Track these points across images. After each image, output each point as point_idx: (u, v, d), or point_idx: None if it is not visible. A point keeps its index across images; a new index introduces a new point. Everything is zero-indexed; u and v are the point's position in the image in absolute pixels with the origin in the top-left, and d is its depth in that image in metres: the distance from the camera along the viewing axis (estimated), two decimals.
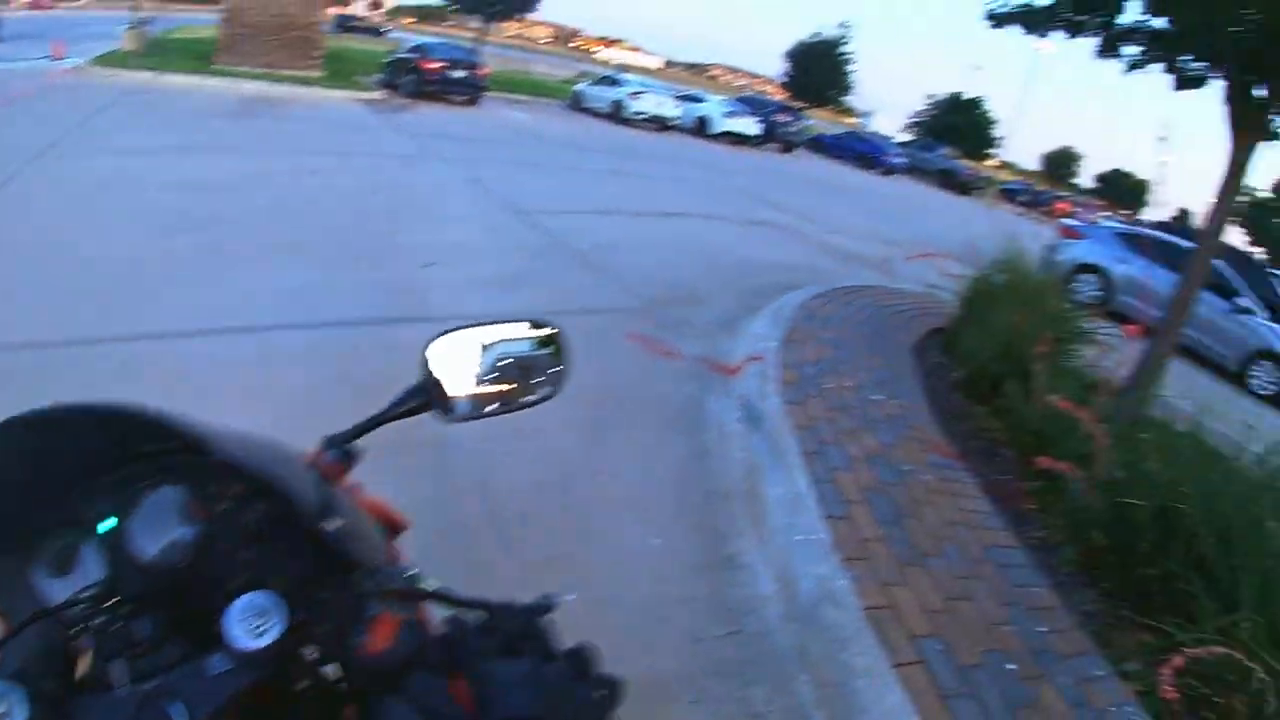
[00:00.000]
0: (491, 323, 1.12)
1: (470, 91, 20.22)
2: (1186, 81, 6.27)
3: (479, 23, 32.96)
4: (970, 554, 3.33)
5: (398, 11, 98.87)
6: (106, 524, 0.93)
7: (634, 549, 3.09)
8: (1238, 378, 10.53)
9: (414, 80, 19.69)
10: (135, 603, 0.84)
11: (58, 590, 0.93)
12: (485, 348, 1.10)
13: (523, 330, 1.15)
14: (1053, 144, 74.70)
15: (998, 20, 6.59)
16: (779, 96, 42.78)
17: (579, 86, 26.67)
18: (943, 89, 56.41)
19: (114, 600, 0.84)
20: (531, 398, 1.13)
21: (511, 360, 1.12)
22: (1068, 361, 5.41)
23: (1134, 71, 6.41)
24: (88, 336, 4.22)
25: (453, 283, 5.77)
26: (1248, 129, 5.40)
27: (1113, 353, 5.04)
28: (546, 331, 1.16)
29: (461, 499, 3.17)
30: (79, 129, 10.99)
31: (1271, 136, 6.06)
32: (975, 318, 5.77)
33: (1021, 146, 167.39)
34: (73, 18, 45.96)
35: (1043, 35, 6.51)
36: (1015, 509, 3.91)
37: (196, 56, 21.03)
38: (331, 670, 0.80)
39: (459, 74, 19.81)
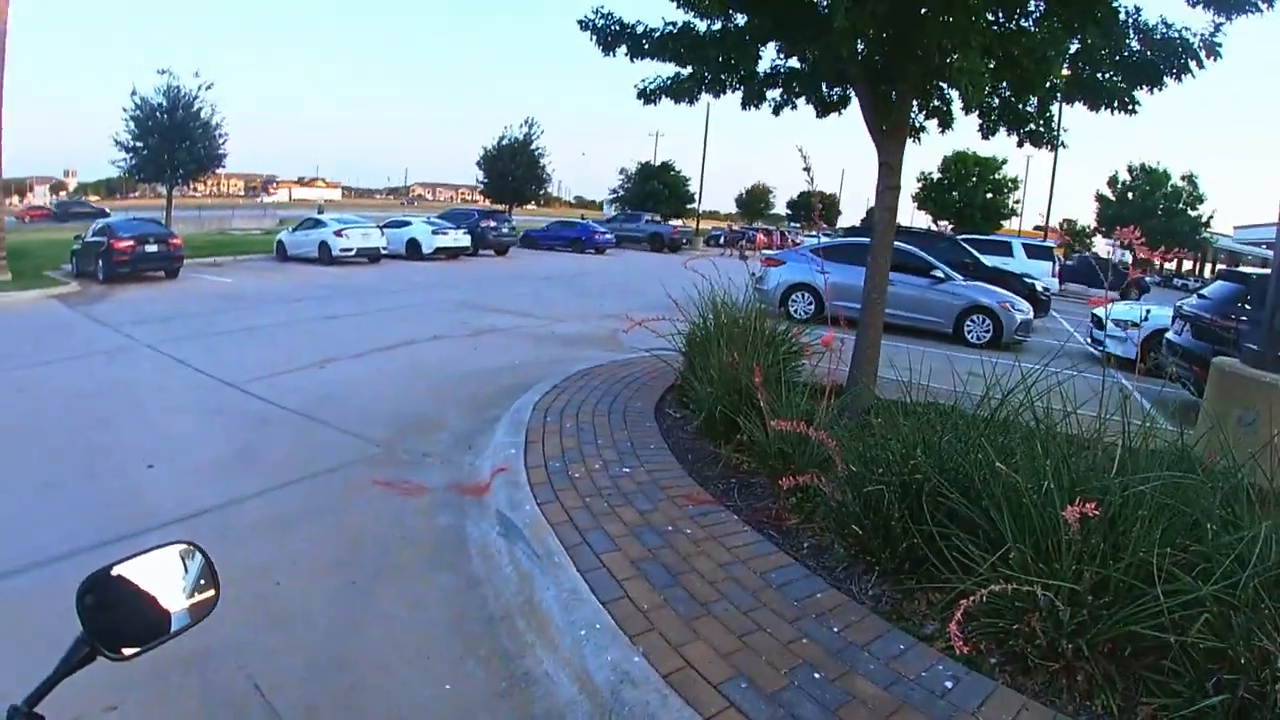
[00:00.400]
0: (134, 555, 1.11)
1: (167, 264, 18.82)
2: (828, 107, 7.21)
3: (165, 189, 30.77)
4: (750, 586, 3.47)
5: (81, 189, 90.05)
6: None
7: (428, 702, 2.88)
8: (959, 338, 12.20)
9: (106, 264, 17.98)
10: None
11: None
12: (122, 582, 1.09)
13: (168, 555, 1.16)
14: (747, 185, 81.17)
15: (646, 97, 7.22)
16: (483, 204, 43.89)
17: (281, 235, 25.54)
18: (632, 160, 59.83)
19: None
20: (198, 613, 1.14)
21: (165, 578, 1.13)
22: (794, 377, 5.82)
23: (781, 111, 7.27)
24: None
25: (174, 477, 5.18)
26: (888, 131, 6.26)
27: (833, 356, 5.38)
28: (186, 547, 1.19)
29: (239, 712, 2.80)
30: None
31: (918, 131, 7.10)
32: (698, 365, 6.09)
33: (721, 193, 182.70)
34: None
35: (692, 102, 7.20)
36: (781, 529, 4.14)
37: None
38: None
39: (153, 248, 18.37)
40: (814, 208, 6.52)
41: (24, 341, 11.51)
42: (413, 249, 24.83)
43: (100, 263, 18.34)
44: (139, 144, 28.42)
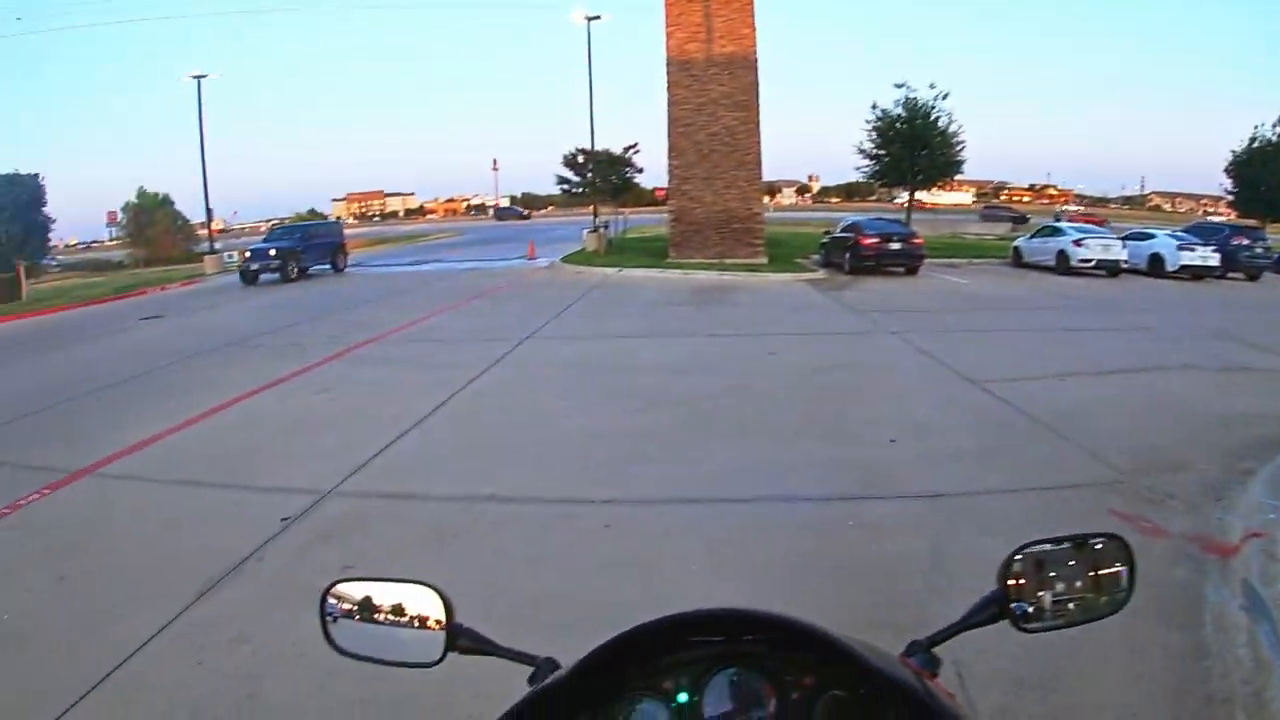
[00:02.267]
0: (1066, 539, 1.12)
1: (908, 261, 20.93)
2: None
3: (905, 193, 34.00)
4: None
5: (823, 192, 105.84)
6: (681, 697, 1.01)
7: None
8: None
9: (853, 257, 20.85)
10: None
11: None
12: (1057, 557, 1.10)
13: (1088, 540, 1.13)
14: None
15: None
16: (1229, 218, 37.09)
17: (1018, 241, 25.89)
18: None
19: None
20: (1099, 612, 1.10)
21: (1081, 569, 1.10)
22: None
23: None
24: (575, 497, 5.25)
25: (916, 460, 5.90)
26: None
27: None
28: (1115, 544, 1.14)
29: None
30: (557, 318, 13.62)
31: None
32: None
33: None
34: (539, 225, 56.38)
35: None
36: None
37: (650, 253, 24.96)
38: None
39: (896, 246, 20.66)
40: None
41: (789, 311, 13.99)
42: (1155, 264, 22.28)
43: (847, 255, 21.33)
44: (881, 151, 31.84)
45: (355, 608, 1.17)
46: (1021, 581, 1.08)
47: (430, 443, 6.69)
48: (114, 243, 54.42)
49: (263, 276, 23.29)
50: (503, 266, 25.38)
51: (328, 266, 26.23)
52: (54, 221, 38.37)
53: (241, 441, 6.88)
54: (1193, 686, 3.22)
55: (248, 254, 24.37)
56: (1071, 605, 1.09)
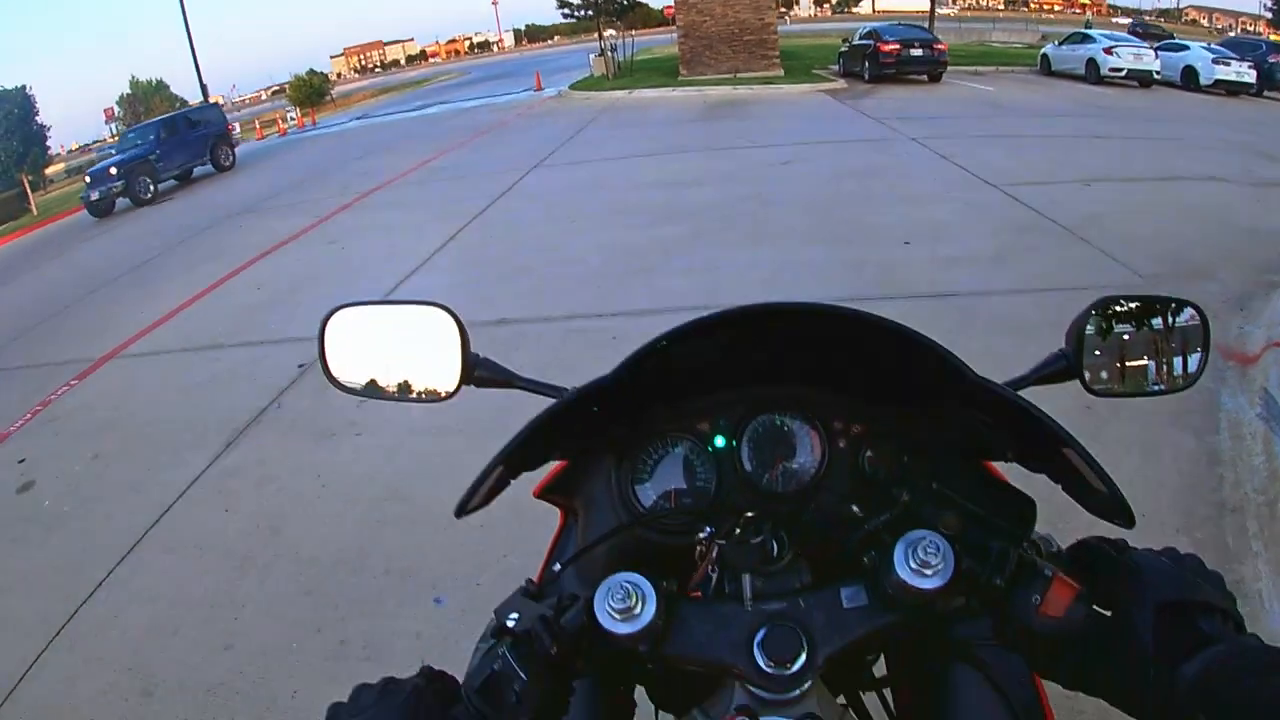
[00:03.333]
0: (1143, 298, 1.03)
1: (930, 68, 19.96)
2: None
3: None
4: None
5: (844, 2, 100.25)
6: (718, 441, 0.96)
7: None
8: None
9: (873, 65, 19.91)
10: (764, 521, 0.82)
11: (647, 492, 0.98)
12: (1129, 319, 1.02)
13: (1164, 307, 1.04)
14: None
15: None
16: (1268, 34, 34.71)
17: (1047, 49, 24.37)
18: None
19: (745, 516, 0.82)
20: (1168, 384, 1.03)
21: (1154, 336, 1.02)
22: None
23: None
24: (582, 312, 5.34)
25: (930, 261, 5.84)
26: None
27: None
28: (1187, 310, 1.04)
29: None
30: (566, 144, 13.33)
31: None
32: None
33: None
34: (543, 55, 54.42)
35: None
36: None
37: (662, 72, 23.99)
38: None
39: (917, 52, 19.65)
40: None
41: (806, 121, 13.57)
42: (1188, 78, 20.96)
43: (866, 63, 20.20)
44: None
45: (358, 335, 1.04)
46: (1093, 338, 1.00)
47: (438, 278, 6.77)
48: (115, 138, 53.90)
49: (119, 203, 16.62)
50: (509, 101, 24.65)
51: (210, 167, 19.41)
52: (50, 129, 38.02)
53: (257, 300, 6.97)
54: (1204, 494, 3.17)
55: (87, 179, 17.36)
56: (1142, 372, 1.02)
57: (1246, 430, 3.57)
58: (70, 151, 61.98)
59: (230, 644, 2.83)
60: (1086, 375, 0.98)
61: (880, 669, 1.10)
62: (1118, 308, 1.01)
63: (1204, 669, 0.60)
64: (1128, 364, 1.01)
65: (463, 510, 0.83)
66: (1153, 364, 1.03)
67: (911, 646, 0.95)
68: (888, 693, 1.12)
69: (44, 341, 7.22)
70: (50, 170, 39.61)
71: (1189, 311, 1.03)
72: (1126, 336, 1.01)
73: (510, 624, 0.72)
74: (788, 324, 0.86)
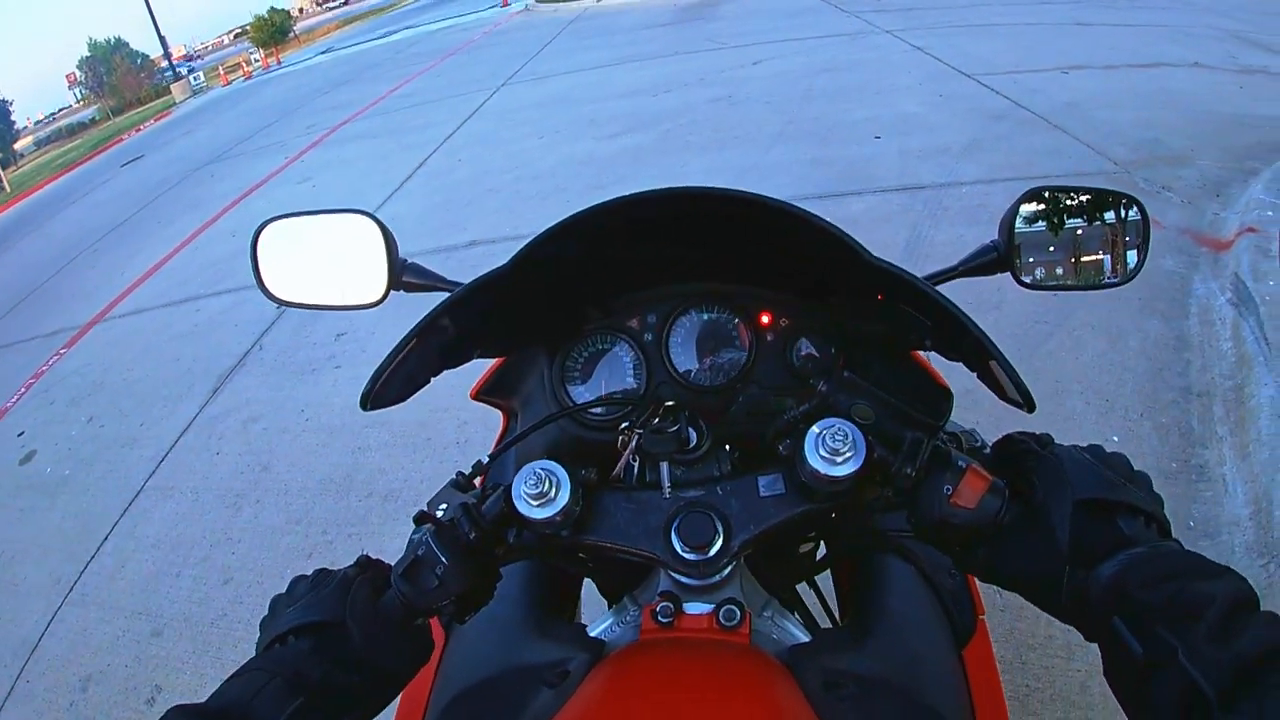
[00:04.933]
0: (1078, 189, 1.00)
1: None
2: None
3: None
4: None
5: None
6: (648, 337, 0.98)
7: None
8: None
9: None
10: (680, 411, 0.83)
11: (580, 392, 1.00)
12: (1065, 212, 0.99)
13: (1101, 200, 1.01)
14: None
15: None
16: None
17: None
18: None
19: (662, 405, 0.84)
20: (1107, 278, 1.00)
21: (1090, 229, 0.99)
22: None
23: None
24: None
25: (900, 154, 5.70)
26: None
27: None
28: (1130, 207, 1.01)
29: None
30: (533, 59, 13.08)
31: None
32: None
33: None
34: None
35: None
36: None
37: None
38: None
39: None
40: None
41: (778, 19, 13.10)
42: None
43: None
44: None
45: (289, 247, 1.07)
46: (1027, 230, 0.97)
47: (409, 205, 6.74)
48: (81, 103, 52.99)
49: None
50: (475, 19, 23.79)
51: None
52: (12, 104, 37.30)
53: (231, 249, 6.93)
54: (1170, 378, 3.14)
55: None
56: (1077, 267, 0.99)
57: (1216, 316, 3.50)
58: (38, 123, 61.27)
59: (229, 578, 2.97)
60: (1017, 266, 0.96)
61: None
62: (1052, 199, 0.99)
63: (1120, 571, 0.59)
64: (1061, 257, 0.99)
65: (368, 399, 0.81)
66: (1088, 258, 1.00)
67: (847, 539, 0.97)
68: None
69: (31, 316, 7.26)
70: (19, 145, 39.18)
71: (1128, 204, 1.00)
72: (1062, 228, 0.98)
73: (438, 514, 0.75)
74: (689, 208, 0.83)
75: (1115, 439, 2.81)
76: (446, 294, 0.84)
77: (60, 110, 67.11)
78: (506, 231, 5.51)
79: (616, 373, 0.99)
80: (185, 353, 5.07)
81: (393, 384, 0.83)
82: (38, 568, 3.46)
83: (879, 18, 11.82)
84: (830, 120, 6.74)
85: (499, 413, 1.12)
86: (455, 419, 3.44)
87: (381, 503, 3.11)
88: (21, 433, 4.80)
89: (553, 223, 0.81)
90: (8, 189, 23.50)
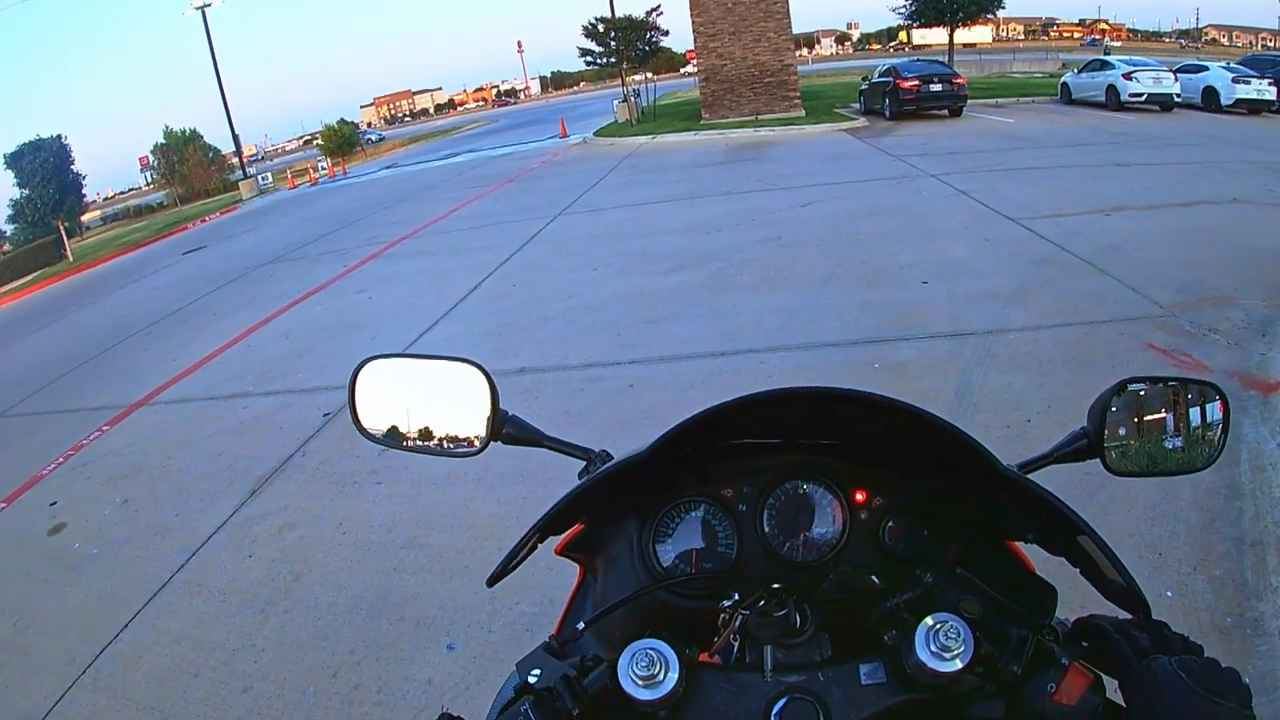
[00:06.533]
0: (1164, 379, 1.01)
1: (951, 103, 20.03)
2: None
3: (944, 32, 32.04)
4: None
5: (865, 40, 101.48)
6: (742, 508, 0.98)
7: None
8: None
9: (893, 102, 20.04)
10: (789, 594, 0.82)
11: (666, 551, 0.99)
12: (1137, 398, 1.01)
13: (1186, 388, 1.02)
14: None
15: None
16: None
17: (1066, 77, 24.30)
18: None
19: (770, 587, 0.83)
20: (1187, 465, 1.01)
21: (1175, 416, 1.01)
22: None
23: None
24: (600, 361, 5.46)
25: (948, 299, 5.84)
26: None
27: None
28: (1211, 392, 1.03)
29: None
30: (588, 191, 13.57)
31: None
32: None
33: None
34: (568, 101, 55.17)
35: None
36: None
37: (684, 117, 24.32)
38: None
39: (937, 88, 19.74)
40: None
41: (826, 161, 13.65)
42: (1209, 98, 20.71)
43: (886, 101, 20.36)
44: None
45: (389, 386, 1.06)
46: (1116, 417, 0.98)
47: (463, 326, 6.88)
48: (150, 186, 55.39)
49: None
50: (535, 148, 25.05)
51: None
52: (85, 178, 39.20)
53: (285, 350, 7.11)
54: (1222, 527, 3.08)
55: None
56: (1163, 453, 1.00)
57: (1268, 461, 3.49)
58: (106, 199, 64.21)
59: (249, 686, 2.89)
60: (1107, 455, 0.97)
61: None
62: (1139, 387, 1.01)
63: None
64: (1148, 443, 1.00)
65: (496, 580, 0.85)
66: (1172, 444, 1.01)
67: None
68: None
69: (78, 387, 7.44)
70: (86, 217, 40.87)
71: (1209, 391, 1.02)
72: (1148, 416, 1.00)
73: (533, 680, 0.74)
74: (821, 405, 0.86)
75: (1169, 595, 2.74)
76: (546, 449, 0.88)
77: (129, 190, 70.75)
78: (556, 361, 5.61)
79: (707, 539, 0.98)
80: (228, 448, 5.12)
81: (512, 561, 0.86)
82: (54, 642, 3.42)
83: (924, 161, 12.29)
84: (878, 263, 6.95)
85: (571, 561, 1.11)
86: (497, 546, 3.41)
87: (414, 629, 3.04)
88: (54, 503, 4.83)
89: (691, 414, 0.84)
90: (70, 258, 24.44)
